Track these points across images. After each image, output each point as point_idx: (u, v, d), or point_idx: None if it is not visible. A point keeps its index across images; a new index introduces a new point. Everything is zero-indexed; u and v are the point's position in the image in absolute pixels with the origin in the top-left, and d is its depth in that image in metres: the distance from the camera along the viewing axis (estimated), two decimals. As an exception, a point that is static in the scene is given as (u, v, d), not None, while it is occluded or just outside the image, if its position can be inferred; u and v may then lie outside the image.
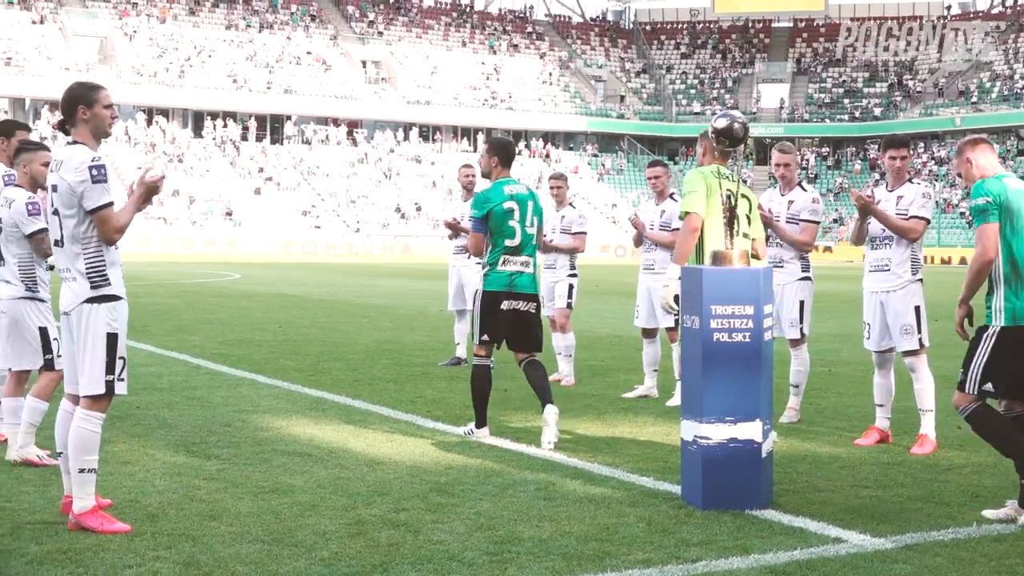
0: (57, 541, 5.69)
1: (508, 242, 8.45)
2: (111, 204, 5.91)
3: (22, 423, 7.42)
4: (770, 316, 6.75)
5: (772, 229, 9.38)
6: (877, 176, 74.60)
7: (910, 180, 8.67)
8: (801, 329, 9.44)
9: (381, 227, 68.88)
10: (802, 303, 9.43)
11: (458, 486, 6.95)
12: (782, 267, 9.40)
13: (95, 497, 5.99)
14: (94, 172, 5.88)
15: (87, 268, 5.94)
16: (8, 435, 7.71)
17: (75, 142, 6.04)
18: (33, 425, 7.42)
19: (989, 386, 6.30)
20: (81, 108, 6.00)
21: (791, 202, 9.47)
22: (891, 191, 8.62)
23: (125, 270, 6.21)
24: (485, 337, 8.50)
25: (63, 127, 6.14)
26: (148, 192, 6.09)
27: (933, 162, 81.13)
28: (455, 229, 12.76)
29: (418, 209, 72.05)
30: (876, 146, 78.99)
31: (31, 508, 6.35)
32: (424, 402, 10.25)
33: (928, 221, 8.54)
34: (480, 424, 8.64)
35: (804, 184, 9.65)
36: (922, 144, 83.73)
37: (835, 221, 76.05)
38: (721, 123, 7.08)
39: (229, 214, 65.37)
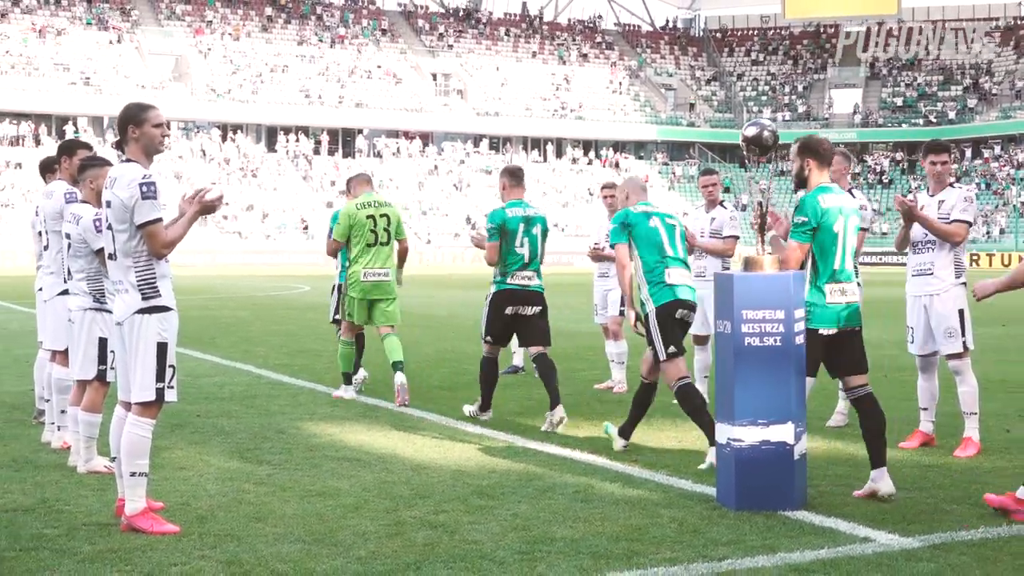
0: (109, 541, 5.97)
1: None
2: (159, 220, 6.18)
3: (81, 438, 7.70)
4: (802, 320, 6.85)
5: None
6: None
7: (951, 184, 8.71)
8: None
9: (452, 237, 69.34)
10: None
11: (498, 489, 7.14)
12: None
13: (147, 500, 6.27)
14: (144, 189, 6.15)
15: (138, 280, 6.22)
16: (72, 442, 8.02)
17: (128, 160, 6.31)
18: (92, 438, 7.69)
19: None
20: (131, 127, 6.28)
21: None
22: (932, 196, 8.67)
23: (199, 284, 6.55)
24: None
25: (120, 146, 6.43)
26: (203, 211, 6.36)
27: (1010, 166, 79.91)
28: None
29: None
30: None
31: (88, 511, 6.64)
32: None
33: (970, 224, 8.57)
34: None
35: (854, 192, 9.61)
36: (999, 147, 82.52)
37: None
38: (751, 131, 7.20)
39: (305, 227, 66.15)
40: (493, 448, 8.58)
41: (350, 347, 11.23)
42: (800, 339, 6.80)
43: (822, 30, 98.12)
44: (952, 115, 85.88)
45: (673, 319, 8.17)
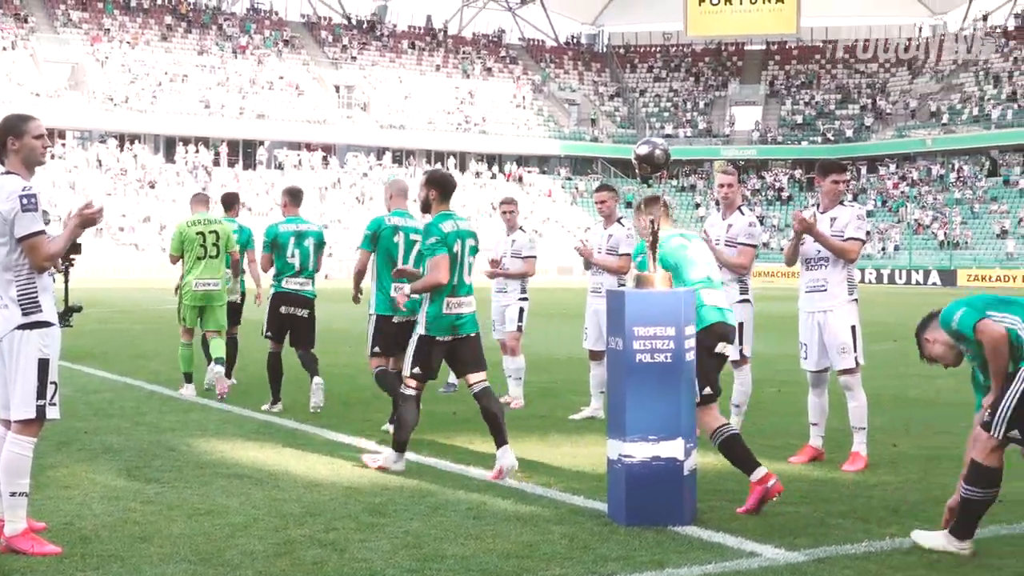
0: (-13, 563, 5.84)
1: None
2: (41, 232, 6.06)
3: None
4: (692, 337, 6.94)
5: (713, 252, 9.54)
6: (850, 197, 74.98)
7: (842, 202, 8.90)
8: (741, 351, 9.62)
9: (354, 251, 68.87)
10: (742, 325, 9.61)
11: (391, 506, 7.12)
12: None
13: (28, 520, 6.13)
14: (24, 201, 6.03)
15: (19, 295, 6.08)
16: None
17: (8, 172, 6.19)
18: None
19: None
20: (11, 139, 6.16)
21: (730, 226, 9.67)
22: (824, 213, 8.85)
23: (93, 297, 6.40)
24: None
25: (-1, 158, 6.30)
26: (83, 224, 6.25)
27: (905, 183, 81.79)
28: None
29: (391, 233, 72.09)
30: (849, 169, 79.58)
31: (-34, 531, 6.47)
32: (370, 425, 10.41)
33: (864, 242, 8.78)
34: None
35: (744, 208, 9.85)
36: (894, 165, 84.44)
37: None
38: (643, 149, 7.30)
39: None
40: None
41: (189, 348, 12.55)
42: (690, 355, 6.89)
43: (723, 48, 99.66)
44: (849, 133, 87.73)
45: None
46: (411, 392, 8.25)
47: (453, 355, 8.33)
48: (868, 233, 9.18)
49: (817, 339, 8.81)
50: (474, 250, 8.37)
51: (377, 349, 9.89)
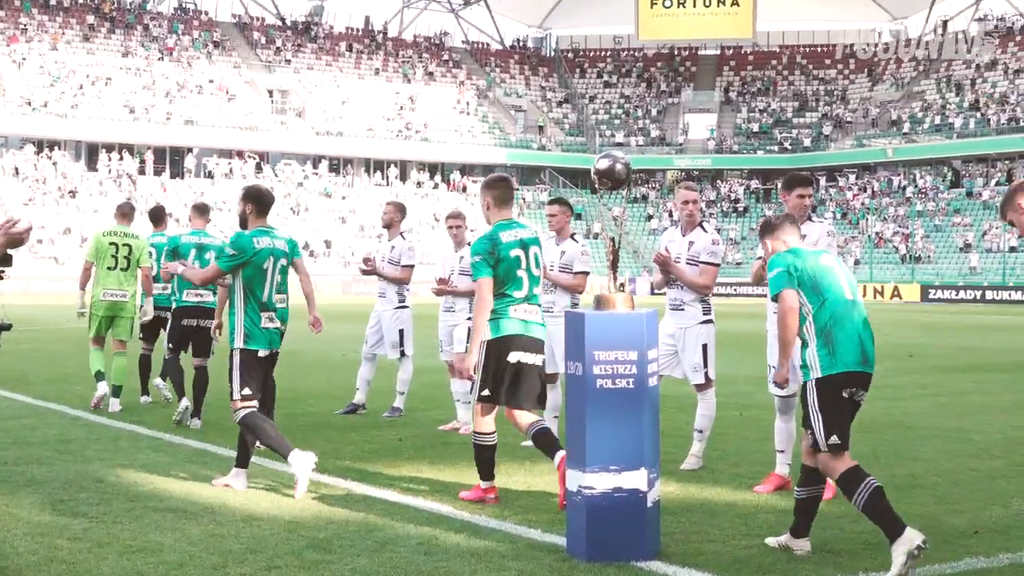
0: (-98, 607, 5.71)
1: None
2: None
3: None
4: (655, 361, 6.94)
5: (671, 271, 9.63)
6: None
7: (811, 218, 8.96)
8: (706, 373, 9.64)
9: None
10: (705, 347, 9.64)
11: (336, 542, 7.05)
12: (683, 310, 9.65)
13: (-54, 560, 6.03)
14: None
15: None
16: None
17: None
18: None
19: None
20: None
21: (691, 243, 9.70)
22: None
23: (11, 313, 6.26)
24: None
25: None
26: (10, 244, 6.16)
27: (866, 194, 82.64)
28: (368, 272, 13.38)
29: (328, 246, 71.95)
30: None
31: None
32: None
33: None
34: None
35: (705, 225, 9.89)
36: (854, 175, 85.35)
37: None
38: (603, 164, 7.29)
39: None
40: (330, 496, 8.47)
41: (99, 351, 13.48)
42: (654, 381, 6.89)
43: (676, 53, 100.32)
44: (807, 142, 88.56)
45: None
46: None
47: (267, 371, 9.02)
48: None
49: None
50: (284, 270, 9.09)
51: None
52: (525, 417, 8.26)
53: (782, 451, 9.01)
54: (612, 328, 6.78)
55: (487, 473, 8.26)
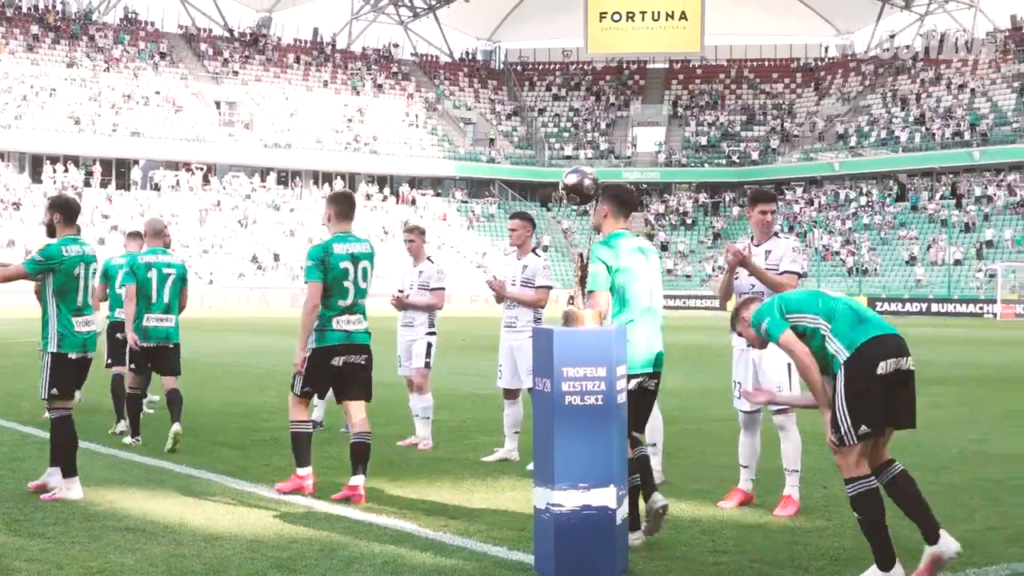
0: None
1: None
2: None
3: None
4: (623, 377, 6.91)
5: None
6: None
7: (776, 234, 8.97)
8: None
9: (236, 278, 68.21)
10: None
11: (300, 561, 6.96)
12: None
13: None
14: None
15: None
16: None
17: None
18: None
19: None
20: None
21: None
22: (758, 245, 8.89)
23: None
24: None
25: None
26: None
27: (812, 207, 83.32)
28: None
29: (276, 259, 71.57)
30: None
31: None
32: (271, 470, 10.20)
33: (800, 275, 8.82)
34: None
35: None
36: (801, 189, 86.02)
37: (715, 270, 77.57)
38: (571, 179, 7.27)
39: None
40: (292, 514, 8.38)
41: None
42: (622, 397, 6.87)
43: (625, 66, 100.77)
44: (755, 156, 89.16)
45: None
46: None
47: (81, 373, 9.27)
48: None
49: (752, 378, 8.81)
50: (90, 275, 9.33)
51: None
52: (355, 414, 9.09)
53: (746, 466, 9.00)
54: (581, 344, 6.75)
55: (304, 459, 9.15)
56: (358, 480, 8.89)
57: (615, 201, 7.70)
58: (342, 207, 9.07)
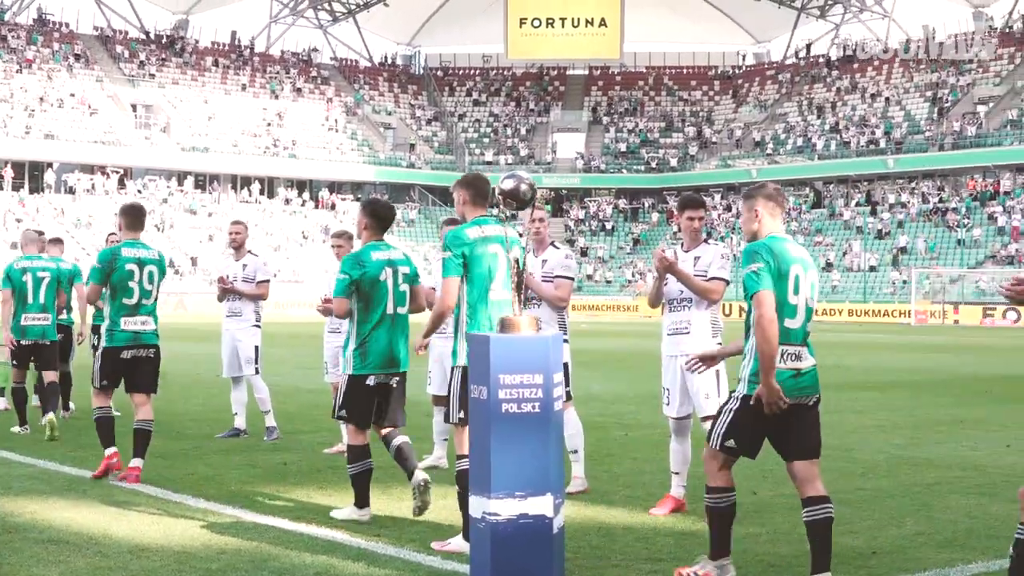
0: None
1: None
2: None
3: None
4: (559, 384, 6.85)
5: (529, 287, 9.40)
6: (676, 229, 76.74)
7: (706, 240, 8.95)
8: (568, 392, 9.48)
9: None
10: (566, 365, 9.46)
11: (230, 573, 6.82)
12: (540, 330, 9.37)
13: None
14: None
15: None
16: None
17: None
18: None
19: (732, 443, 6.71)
20: None
21: (544, 261, 9.64)
22: (687, 251, 8.87)
23: None
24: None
25: None
26: None
27: (730, 214, 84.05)
28: (227, 291, 13.10)
29: (193, 263, 70.76)
30: (675, 199, 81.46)
31: None
32: (196, 480, 10.03)
33: (728, 282, 8.82)
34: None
35: (556, 243, 9.84)
36: (719, 195, 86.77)
37: (635, 275, 78.00)
38: (508, 184, 7.19)
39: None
40: (220, 524, 8.21)
41: (5, 365, 14.10)
42: (559, 404, 6.80)
43: (545, 72, 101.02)
44: (674, 162, 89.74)
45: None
46: None
47: None
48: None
49: (680, 384, 8.79)
50: None
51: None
52: (140, 405, 10.16)
53: (677, 473, 8.98)
54: (517, 351, 6.68)
55: (108, 441, 10.06)
56: (137, 462, 9.89)
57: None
58: (132, 219, 10.43)
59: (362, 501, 8.49)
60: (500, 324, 6.91)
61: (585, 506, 8.96)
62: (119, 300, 10.03)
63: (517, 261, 7.10)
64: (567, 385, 9.14)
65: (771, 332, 6.40)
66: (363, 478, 8.52)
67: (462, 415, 7.42)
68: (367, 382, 8.61)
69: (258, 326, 13.09)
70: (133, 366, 10.10)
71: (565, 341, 9.43)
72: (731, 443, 6.65)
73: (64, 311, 14.35)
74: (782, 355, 6.51)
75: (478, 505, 6.67)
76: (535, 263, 9.60)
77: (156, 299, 10.33)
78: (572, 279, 9.64)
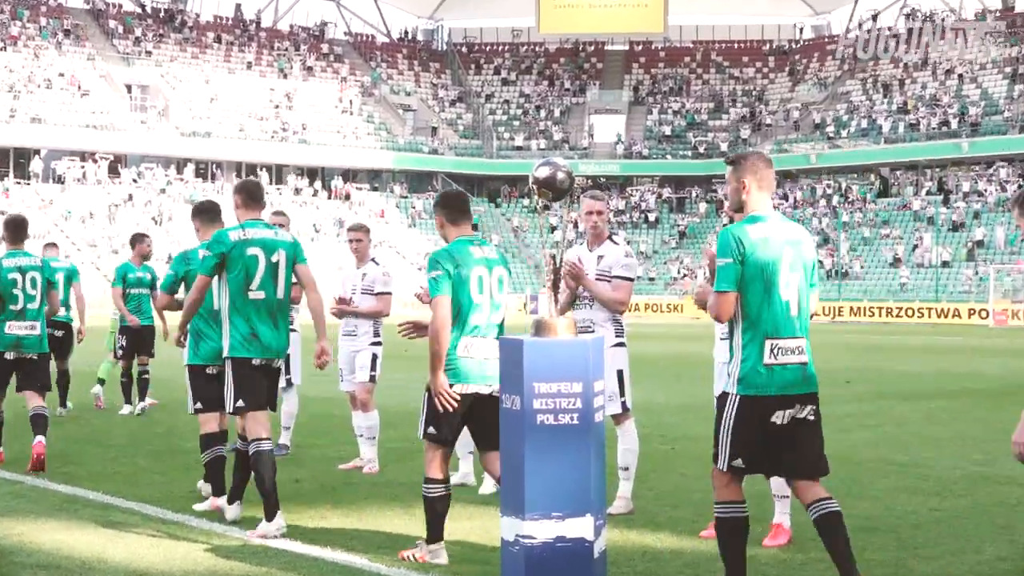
0: None
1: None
2: None
3: None
4: (601, 394, 6.84)
5: (584, 286, 9.42)
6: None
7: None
8: (623, 403, 9.50)
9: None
10: (620, 372, 9.48)
11: (238, 601, 6.85)
12: (592, 332, 9.37)
13: None
14: None
15: None
16: None
17: None
18: None
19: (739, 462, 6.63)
20: None
21: (601, 257, 9.60)
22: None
23: None
24: None
25: None
26: None
27: (787, 203, 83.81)
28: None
29: (195, 260, 70.96)
30: (725, 188, 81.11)
31: None
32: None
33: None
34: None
35: (615, 237, 9.82)
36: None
37: (681, 272, 77.84)
38: (543, 172, 7.17)
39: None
40: (225, 548, 8.25)
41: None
42: (600, 416, 6.79)
43: (581, 48, 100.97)
44: (724, 147, 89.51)
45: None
46: None
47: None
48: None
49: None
50: None
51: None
52: (31, 400, 11.74)
53: (785, 496, 8.90)
54: (554, 356, 6.68)
55: (40, 430, 11.44)
56: (41, 439, 11.41)
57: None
58: (14, 232, 11.93)
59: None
60: (535, 327, 6.90)
61: (628, 529, 8.93)
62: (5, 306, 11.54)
63: (554, 257, 7.08)
64: (622, 395, 9.47)
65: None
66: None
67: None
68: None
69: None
70: (18, 364, 11.70)
71: (622, 345, 9.49)
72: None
73: (63, 309, 15.04)
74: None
75: (510, 527, 6.67)
76: (590, 258, 9.57)
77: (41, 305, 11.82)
78: (632, 280, 9.61)
